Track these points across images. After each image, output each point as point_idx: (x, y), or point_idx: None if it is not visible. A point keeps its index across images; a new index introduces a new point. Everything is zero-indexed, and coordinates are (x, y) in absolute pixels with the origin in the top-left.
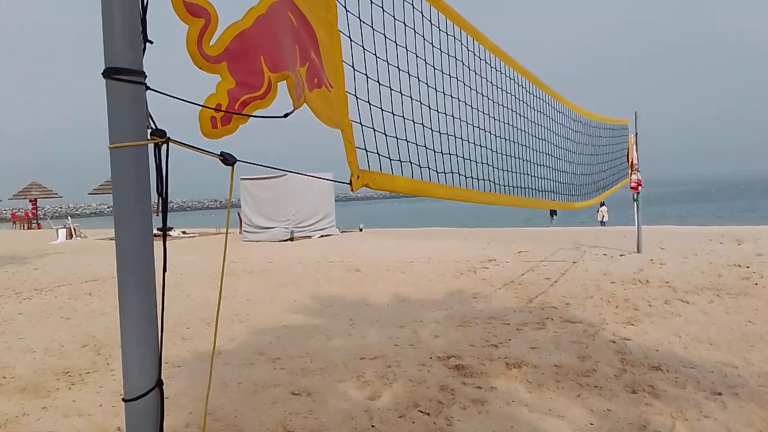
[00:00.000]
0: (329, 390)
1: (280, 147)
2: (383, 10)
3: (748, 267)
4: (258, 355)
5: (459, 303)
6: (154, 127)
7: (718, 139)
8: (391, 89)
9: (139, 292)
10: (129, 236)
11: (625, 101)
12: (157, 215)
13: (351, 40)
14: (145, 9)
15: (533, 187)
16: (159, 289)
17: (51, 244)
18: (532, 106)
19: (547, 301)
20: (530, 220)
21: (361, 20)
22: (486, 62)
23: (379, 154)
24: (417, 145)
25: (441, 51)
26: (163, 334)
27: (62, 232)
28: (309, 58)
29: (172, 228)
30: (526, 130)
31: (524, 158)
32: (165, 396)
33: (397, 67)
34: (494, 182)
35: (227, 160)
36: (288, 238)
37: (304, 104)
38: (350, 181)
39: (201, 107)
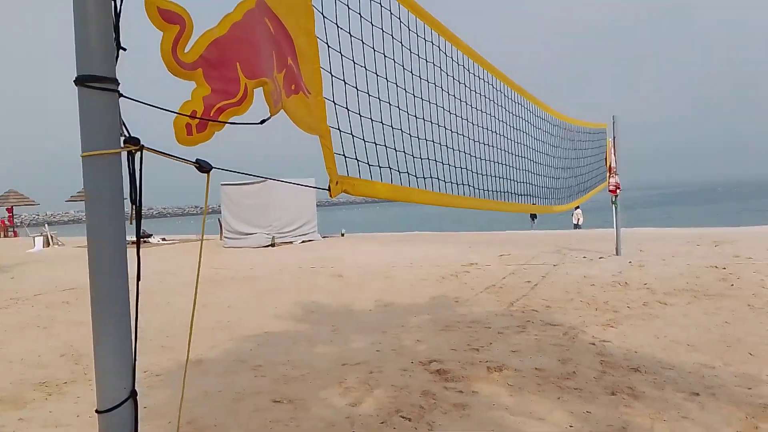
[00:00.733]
0: (311, 397)
1: (263, 148)
2: (361, 17)
3: (725, 269)
4: (239, 362)
5: (441, 308)
6: (127, 135)
7: (695, 143)
8: (369, 95)
9: (112, 301)
10: (102, 245)
11: (603, 105)
12: (131, 223)
13: (329, 47)
14: (118, 16)
15: (513, 192)
16: (134, 298)
17: (28, 253)
18: (511, 111)
19: (528, 304)
20: (511, 223)
21: (338, 26)
22: (465, 68)
23: (358, 160)
24: (397, 150)
25: (419, 57)
26: (137, 343)
27: (39, 240)
28: (286, 64)
29: (151, 235)
30: (506, 135)
31: (504, 163)
32: (144, 406)
33: (376, 74)
34: (475, 187)
35: (203, 167)
36: (269, 244)
37: (282, 110)
38: (329, 187)
39: (176, 114)
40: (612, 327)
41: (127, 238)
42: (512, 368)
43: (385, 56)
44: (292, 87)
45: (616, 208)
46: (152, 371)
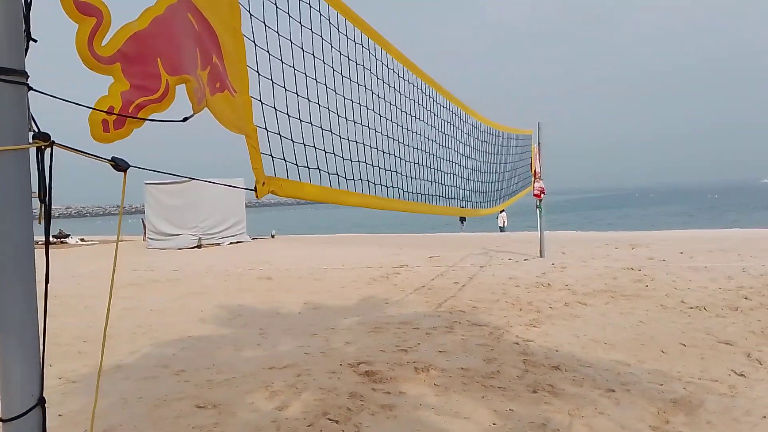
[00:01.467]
0: (236, 402)
1: (189, 147)
2: (289, 16)
3: (640, 270)
4: (161, 368)
5: (371, 309)
6: (36, 130)
7: (627, 144)
8: (298, 95)
9: (18, 304)
10: (7, 245)
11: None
12: (40, 223)
13: (255, 45)
14: (28, 6)
15: (441, 195)
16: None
17: None
18: (439, 116)
19: (456, 305)
20: (441, 226)
21: (266, 25)
22: (394, 71)
23: (286, 161)
24: (326, 152)
25: (348, 59)
26: (49, 348)
27: None
28: (211, 61)
29: (69, 235)
30: (434, 139)
31: (432, 167)
32: (58, 414)
33: (304, 73)
34: (404, 190)
35: (119, 165)
36: (195, 245)
37: (206, 109)
38: (255, 187)
39: (91, 110)
40: (535, 327)
41: (36, 239)
42: (439, 368)
43: (314, 56)
44: (217, 85)
45: (540, 211)
46: (68, 378)
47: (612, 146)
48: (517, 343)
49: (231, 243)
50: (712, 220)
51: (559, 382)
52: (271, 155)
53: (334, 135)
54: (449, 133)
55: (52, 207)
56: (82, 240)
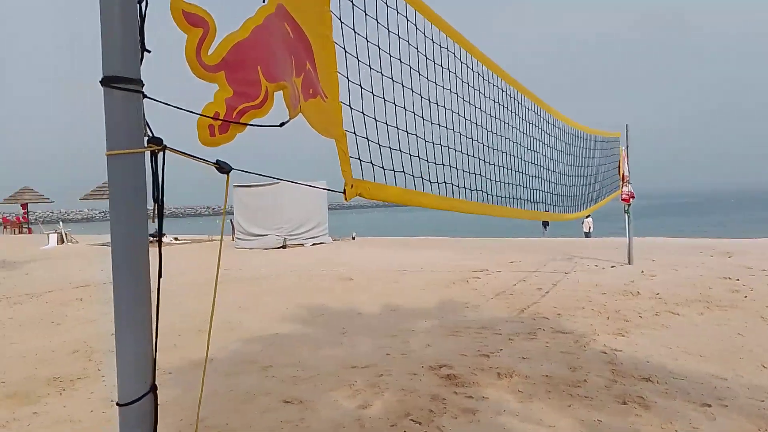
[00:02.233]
0: (320, 399)
1: (274, 153)
2: (377, 22)
3: (737, 280)
4: (249, 363)
5: (450, 312)
6: (150, 135)
7: (707, 149)
8: (384, 100)
9: (134, 297)
10: (125, 242)
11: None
12: (153, 222)
13: (345, 51)
14: (143, 18)
15: (525, 198)
16: (154, 295)
17: (42, 249)
18: (522, 118)
19: (538, 311)
20: (523, 231)
21: (355, 32)
22: (478, 74)
23: (372, 164)
24: (410, 155)
25: (434, 63)
26: (158, 339)
27: (53, 237)
28: (304, 68)
29: (164, 234)
30: (519, 142)
31: (517, 169)
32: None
33: (391, 78)
34: (487, 193)
35: (223, 168)
36: (280, 245)
37: (300, 114)
38: (344, 190)
39: (199, 116)
40: (622, 336)
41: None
42: (522, 374)
43: (400, 61)
44: (310, 91)
45: (628, 216)
46: (163, 369)
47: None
48: (604, 352)
49: (314, 244)
50: None
51: (650, 394)
52: (359, 158)
53: (419, 138)
54: (533, 135)
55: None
56: (176, 239)
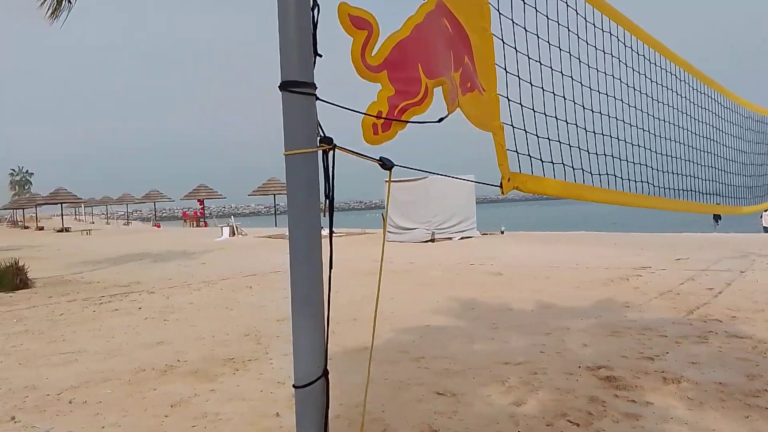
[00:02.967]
0: (472, 393)
1: (421, 154)
2: (536, 10)
3: None
4: (402, 353)
5: (609, 312)
6: (322, 135)
7: None
8: (543, 90)
9: (308, 286)
10: (301, 234)
11: None
12: (324, 216)
13: (504, 43)
14: (315, 25)
15: (695, 190)
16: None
17: (216, 241)
18: (694, 102)
19: (709, 313)
20: (688, 225)
21: (514, 22)
22: (644, 57)
23: (530, 156)
24: (570, 146)
25: (596, 48)
26: (329, 326)
27: (226, 230)
28: (462, 63)
29: (323, 228)
30: (688, 128)
31: (686, 158)
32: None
33: (550, 67)
34: (652, 184)
35: (385, 164)
36: (429, 239)
37: (458, 108)
38: (501, 183)
39: (364, 115)
40: None
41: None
42: (691, 380)
43: (560, 49)
44: (468, 85)
45: None
46: None
47: None
48: None
49: (462, 238)
50: None
51: None
52: (516, 151)
53: (578, 128)
54: (707, 121)
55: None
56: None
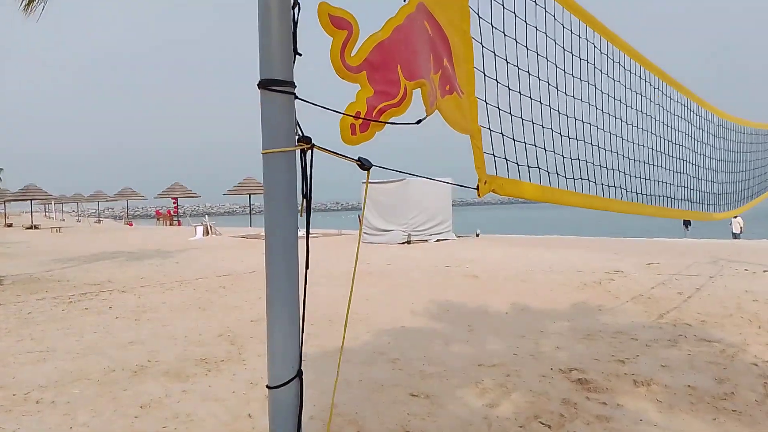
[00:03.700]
0: (447, 395)
1: (400, 155)
2: (515, 15)
3: None
4: (378, 354)
5: (583, 315)
6: (301, 134)
7: None
8: (521, 94)
9: (284, 286)
10: (277, 233)
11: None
12: (302, 216)
13: (483, 46)
14: (296, 24)
15: (669, 196)
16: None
17: (190, 240)
18: (669, 110)
19: (680, 317)
20: (660, 231)
21: (493, 26)
22: (619, 64)
23: (507, 160)
24: (546, 150)
25: (573, 54)
26: (304, 326)
27: (200, 230)
28: (442, 65)
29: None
30: (661, 135)
31: (659, 165)
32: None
33: (528, 72)
34: (628, 190)
35: (364, 165)
36: (405, 241)
37: (436, 111)
38: (477, 186)
39: (342, 115)
40: None
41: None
42: (662, 383)
43: (538, 54)
44: (447, 87)
45: None
46: None
47: None
48: (756, 365)
49: (438, 240)
50: None
51: None
52: (493, 154)
53: (555, 133)
54: (680, 129)
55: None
56: None
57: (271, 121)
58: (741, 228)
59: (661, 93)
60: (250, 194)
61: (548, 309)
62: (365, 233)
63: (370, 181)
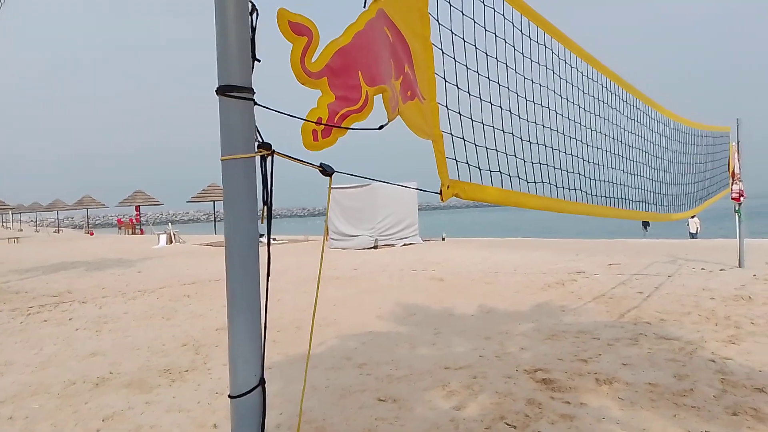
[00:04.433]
0: (415, 398)
1: (366, 155)
2: (474, 22)
3: None
4: (345, 359)
5: (546, 316)
6: (260, 141)
7: None
8: (481, 99)
9: (246, 294)
10: (238, 241)
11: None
12: (262, 222)
13: (443, 52)
14: (254, 30)
15: (628, 198)
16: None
17: (153, 249)
18: (625, 114)
19: (640, 316)
20: (621, 232)
21: (452, 32)
22: (577, 69)
23: (469, 164)
24: (507, 154)
25: (531, 60)
26: (266, 334)
27: (163, 238)
28: (403, 71)
29: (262, 234)
30: (620, 139)
31: (618, 168)
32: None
33: (488, 77)
34: (587, 192)
35: (326, 171)
36: (372, 246)
37: (398, 116)
38: (440, 191)
39: (303, 121)
40: (734, 344)
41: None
42: (623, 381)
43: (497, 60)
44: (408, 93)
45: (739, 216)
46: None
47: None
48: (713, 361)
49: (404, 244)
50: None
51: (765, 406)
52: (455, 159)
53: (515, 138)
54: (636, 132)
55: (264, 209)
56: (274, 239)
57: (230, 128)
58: (698, 228)
59: (616, 97)
60: (214, 201)
61: (513, 310)
62: (332, 238)
63: (335, 186)
